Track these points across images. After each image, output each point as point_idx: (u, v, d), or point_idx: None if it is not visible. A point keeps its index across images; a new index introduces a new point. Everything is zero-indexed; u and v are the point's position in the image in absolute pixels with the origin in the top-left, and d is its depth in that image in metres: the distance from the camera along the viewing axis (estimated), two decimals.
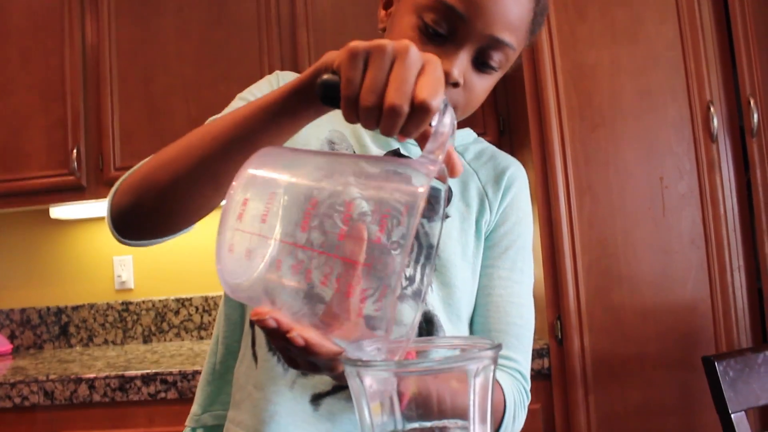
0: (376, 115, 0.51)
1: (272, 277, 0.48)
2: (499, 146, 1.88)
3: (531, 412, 1.57)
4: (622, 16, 1.62)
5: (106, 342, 2.28)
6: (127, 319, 2.28)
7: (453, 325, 0.82)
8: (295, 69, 1.94)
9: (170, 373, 1.65)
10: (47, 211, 2.22)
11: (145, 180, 0.71)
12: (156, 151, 0.86)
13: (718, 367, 1.15)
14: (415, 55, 0.51)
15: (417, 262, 0.78)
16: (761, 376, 1.19)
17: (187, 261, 2.29)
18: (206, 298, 2.25)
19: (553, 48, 1.62)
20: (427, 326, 0.80)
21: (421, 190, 0.46)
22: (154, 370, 1.67)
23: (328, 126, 0.84)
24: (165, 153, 0.71)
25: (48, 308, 2.31)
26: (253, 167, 0.52)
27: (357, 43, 0.52)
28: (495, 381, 0.72)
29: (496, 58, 0.75)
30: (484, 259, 0.85)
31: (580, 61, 1.62)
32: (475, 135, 0.94)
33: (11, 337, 2.31)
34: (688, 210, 1.59)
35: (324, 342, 0.51)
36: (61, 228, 2.33)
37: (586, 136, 1.62)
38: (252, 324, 0.80)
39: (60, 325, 2.30)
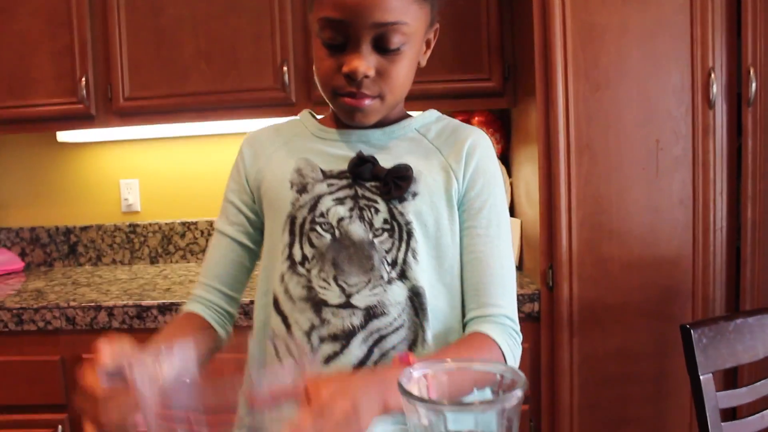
0: None
1: None
2: (503, 93, 1.98)
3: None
4: None
5: (114, 262, 2.42)
6: (135, 241, 2.40)
7: (438, 294, 0.95)
8: None
9: (184, 302, 1.79)
10: (54, 134, 2.28)
11: None
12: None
13: (693, 335, 1.31)
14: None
15: (400, 241, 0.92)
16: (730, 342, 1.35)
17: (193, 186, 2.39)
18: (211, 222, 2.38)
19: (564, 7, 1.68)
20: (418, 299, 0.93)
21: None
22: (169, 300, 1.81)
23: (293, 160, 0.98)
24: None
25: (57, 227, 2.42)
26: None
27: None
28: (488, 336, 0.87)
29: (395, 39, 0.87)
30: (461, 222, 0.97)
31: (590, 22, 1.68)
32: (437, 114, 1.05)
33: (22, 255, 2.43)
34: (680, 172, 1.71)
35: None
36: (67, 151, 2.40)
37: (590, 96, 1.70)
38: (274, 337, 0.96)
39: (69, 244, 2.42)
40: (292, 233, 0.95)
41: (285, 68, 1.99)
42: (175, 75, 2.03)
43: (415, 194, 0.94)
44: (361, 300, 0.91)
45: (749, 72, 1.66)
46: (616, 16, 1.68)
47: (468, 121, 2.23)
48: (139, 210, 2.41)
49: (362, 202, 0.93)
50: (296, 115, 2.05)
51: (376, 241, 0.92)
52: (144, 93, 2.04)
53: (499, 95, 2.02)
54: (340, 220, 0.93)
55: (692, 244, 1.73)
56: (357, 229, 0.92)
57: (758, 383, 1.39)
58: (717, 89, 1.67)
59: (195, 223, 2.38)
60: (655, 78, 1.69)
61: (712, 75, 1.67)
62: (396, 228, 0.92)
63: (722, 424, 1.33)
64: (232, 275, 1.03)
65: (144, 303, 1.80)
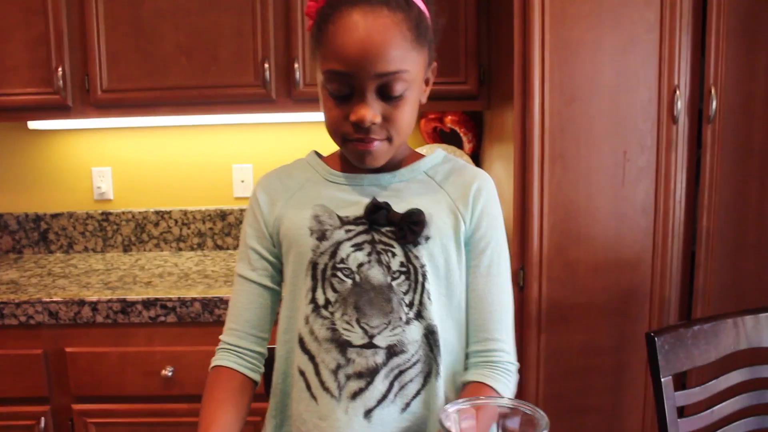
0: None
1: None
2: (477, 96, 2.08)
3: None
4: None
5: (86, 249, 2.44)
6: (107, 229, 2.43)
7: (448, 328, 1.06)
8: None
9: (170, 299, 1.86)
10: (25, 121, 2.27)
11: None
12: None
13: (657, 342, 1.46)
14: None
15: (416, 283, 1.02)
16: (688, 347, 1.51)
17: (167, 175, 2.42)
18: (185, 212, 2.42)
19: (543, 23, 1.77)
20: (432, 336, 1.04)
21: None
22: (153, 296, 1.87)
23: (309, 207, 1.05)
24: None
25: (26, 214, 2.42)
26: None
27: None
28: (486, 387, 1.00)
29: (397, 87, 0.96)
30: (467, 260, 1.07)
31: (566, 38, 1.79)
32: (443, 154, 1.14)
33: None
34: (643, 182, 1.85)
35: None
36: (38, 138, 2.39)
37: (563, 108, 1.82)
38: (302, 373, 1.05)
39: (39, 232, 2.43)
40: (314, 278, 1.03)
41: (266, 65, 2.04)
42: (154, 68, 2.05)
43: (427, 238, 1.03)
44: (382, 340, 1.00)
45: (710, 91, 1.80)
46: (592, 33, 1.79)
47: (441, 120, 2.33)
48: (111, 198, 2.43)
49: (379, 247, 1.01)
50: (276, 111, 2.11)
51: (394, 284, 1.01)
52: (122, 85, 2.06)
53: (473, 98, 2.12)
54: (360, 265, 1.01)
55: (652, 249, 1.88)
56: (376, 274, 1.01)
57: (709, 383, 1.55)
58: (681, 106, 1.81)
59: (169, 212, 2.42)
60: (625, 93, 1.82)
61: (677, 92, 1.80)
62: (412, 271, 1.01)
63: (678, 420, 1.50)
64: (261, 317, 1.10)
65: (129, 298, 1.86)
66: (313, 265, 1.03)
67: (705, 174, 1.85)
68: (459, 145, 2.36)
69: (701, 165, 1.85)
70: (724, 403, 1.54)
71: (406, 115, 0.99)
